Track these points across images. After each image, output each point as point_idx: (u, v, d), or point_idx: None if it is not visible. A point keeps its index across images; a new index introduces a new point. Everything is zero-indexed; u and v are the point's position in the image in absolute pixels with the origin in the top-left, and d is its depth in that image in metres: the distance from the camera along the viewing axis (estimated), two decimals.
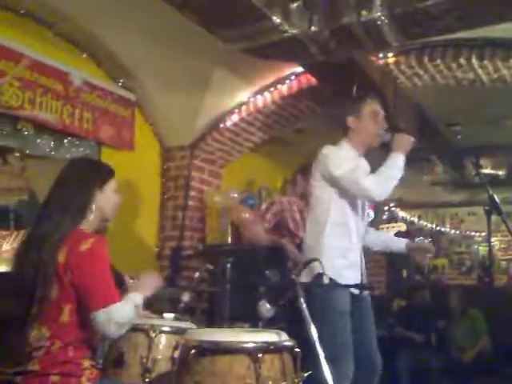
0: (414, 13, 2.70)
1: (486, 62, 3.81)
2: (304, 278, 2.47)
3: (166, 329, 2.13)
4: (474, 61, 3.80)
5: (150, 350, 2.03)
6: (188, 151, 4.82)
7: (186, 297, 2.53)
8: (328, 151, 2.59)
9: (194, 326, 2.28)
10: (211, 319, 3.59)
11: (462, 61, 3.81)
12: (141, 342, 2.07)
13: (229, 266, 3.17)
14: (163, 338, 2.10)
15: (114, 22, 3.64)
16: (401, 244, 2.85)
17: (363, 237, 2.70)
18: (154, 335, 2.07)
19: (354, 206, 2.60)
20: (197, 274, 2.53)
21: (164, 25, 3.43)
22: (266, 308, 1.94)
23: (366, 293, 2.64)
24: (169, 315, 2.48)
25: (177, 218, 4.79)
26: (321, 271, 2.40)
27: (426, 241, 9.68)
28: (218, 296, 3.56)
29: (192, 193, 4.82)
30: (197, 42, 3.37)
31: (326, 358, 1.77)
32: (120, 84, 4.41)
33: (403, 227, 4.20)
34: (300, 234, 3.56)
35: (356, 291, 2.52)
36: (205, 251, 4.56)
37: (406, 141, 2.55)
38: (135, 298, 1.85)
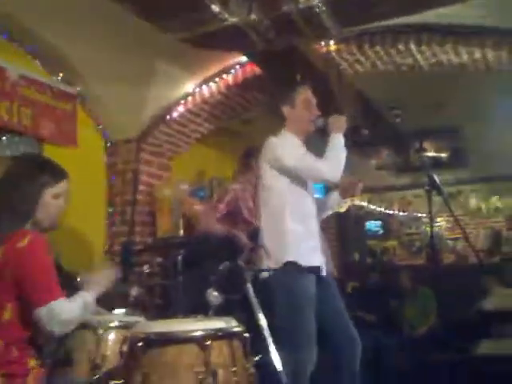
0: (350, 0, 2.76)
1: (423, 47, 3.93)
2: (272, 264, 2.50)
3: (115, 324, 2.11)
4: (412, 46, 3.92)
5: (99, 346, 2.02)
6: (134, 144, 4.75)
7: (134, 291, 2.52)
8: (275, 142, 2.62)
9: (143, 320, 2.27)
10: (165, 313, 3.57)
11: (401, 47, 3.93)
12: (89, 339, 2.05)
13: (180, 258, 3.17)
14: (112, 334, 2.09)
15: (52, 14, 3.53)
16: (335, 196, 2.92)
17: (318, 219, 2.76)
18: (102, 331, 2.05)
19: (306, 191, 2.65)
20: (145, 268, 2.51)
21: (105, 16, 3.35)
22: (213, 295, 1.96)
23: (329, 274, 2.69)
24: (119, 311, 2.47)
25: (126, 213, 4.72)
26: (283, 258, 2.44)
27: (378, 223, 9.98)
28: (170, 289, 3.56)
29: (141, 187, 4.77)
30: (140, 32, 3.32)
31: (290, 344, 1.79)
32: (60, 78, 4.28)
33: (354, 201, 4.31)
34: (254, 221, 3.58)
35: (323, 273, 2.57)
36: (155, 245, 4.53)
37: (341, 121, 2.62)
38: (85, 295, 1.83)
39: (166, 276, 3.75)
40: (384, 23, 3.75)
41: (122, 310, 2.51)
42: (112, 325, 2.11)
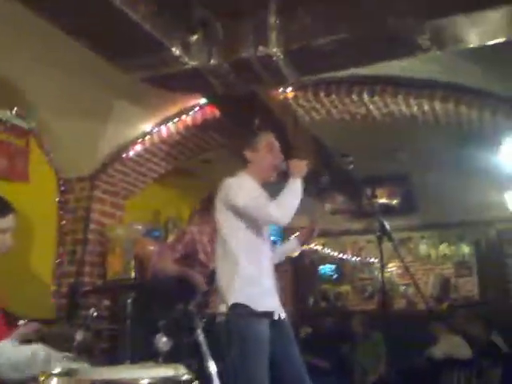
0: (307, 50, 2.85)
1: (376, 97, 4.10)
2: (223, 310, 2.45)
3: (57, 371, 1.99)
4: (366, 96, 4.08)
5: None
6: (88, 182, 4.67)
7: (79, 335, 2.39)
8: (230, 182, 2.63)
9: (88, 366, 2.16)
10: (112, 359, 3.42)
11: (355, 96, 4.08)
12: None
13: (129, 301, 3.06)
14: (54, 381, 1.96)
15: (6, 48, 3.48)
16: (293, 242, 2.96)
17: (272, 262, 2.74)
18: (42, 378, 1.93)
19: (260, 233, 2.64)
20: (92, 311, 2.41)
21: (62, 50, 3.32)
22: (162, 341, 1.89)
23: (285, 317, 2.65)
24: (60, 355, 2.33)
25: (76, 252, 4.58)
26: (236, 301, 2.40)
27: (332, 267, 10.04)
28: (118, 334, 3.43)
29: (92, 226, 4.65)
30: (98, 69, 3.29)
31: None
32: (14, 112, 4.19)
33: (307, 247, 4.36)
34: (210, 265, 3.54)
35: (276, 317, 2.53)
36: (104, 287, 4.38)
37: (301, 165, 2.65)
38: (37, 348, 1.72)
39: (114, 320, 3.61)
40: (340, 73, 3.90)
41: (64, 355, 2.37)
42: (54, 371, 1.99)
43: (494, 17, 2.55)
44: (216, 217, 2.67)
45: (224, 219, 2.62)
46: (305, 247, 3.63)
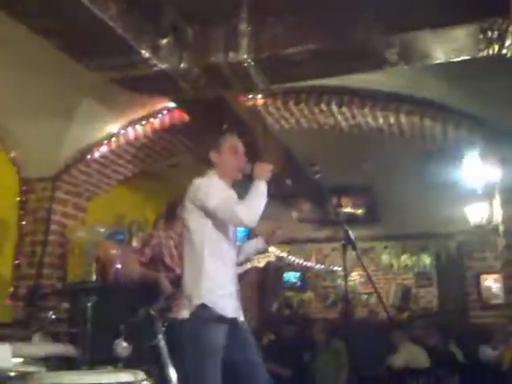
0: (277, 58, 2.88)
1: (344, 108, 4.16)
2: (185, 312, 2.44)
3: (11, 374, 1.94)
4: (334, 107, 4.14)
5: None
6: (50, 183, 4.58)
7: (36, 338, 2.33)
8: (199, 183, 2.64)
9: (44, 370, 2.11)
10: (70, 364, 3.35)
11: (323, 106, 4.13)
12: None
13: (89, 304, 3.01)
14: None
15: None
16: (258, 241, 2.99)
17: (236, 265, 2.76)
18: None
19: (226, 235, 2.66)
20: (50, 314, 2.35)
21: (25, 46, 3.25)
22: (121, 346, 1.86)
23: (244, 322, 2.66)
24: (18, 360, 2.28)
25: (35, 254, 4.47)
26: (201, 302, 2.39)
27: (296, 275, 10.10)
28: (77, 338, 3.36)
29: (53, 227, 4.56)
30: (64, 67, 3.23)
31: None
32: None
33: (272, 257, 4.34)
34: (176, 269, 3.54)
35: (236, 321, 2.53)
36: (64, 290, 4.29)
37: (265, 168, 2.68)
38: None
39: (73, 323, 3.54)
40: (310, 83, 3.95)
41: (21, 359, 2.31)
42: (9, 374, 1.94)
43: (460, 34, 2.64)
44: (184, 217, 2.67)
45: (192, 219, 2.63)
46: (268, 258, 3.67)
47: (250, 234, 4.55)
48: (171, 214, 3.88)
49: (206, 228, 2.60)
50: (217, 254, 2.59)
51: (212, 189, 2.60)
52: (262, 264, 4.47)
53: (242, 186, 2.73)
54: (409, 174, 5.67)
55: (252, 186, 2.63)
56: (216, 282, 2.53)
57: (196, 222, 2.61)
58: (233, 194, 2.75)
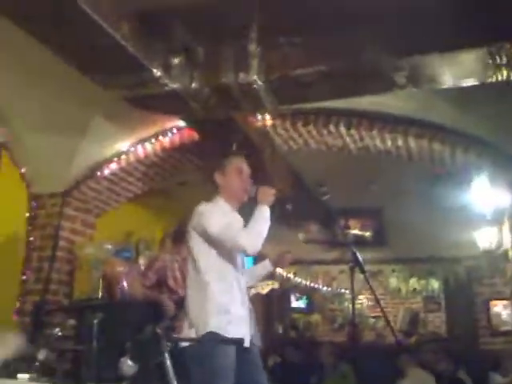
0: (287, 79, 2.91)
1: (352, 130, 4.18)
2: (193, 334, 2.42)
3: None
4: (342, 129, 4.16)
5: None
6: (60, 198, 4.61)
7: (41, 355, 2.33)
8: (202, 209, 2.63)
9: None
10: (76, 381, 3.34)
11: (332, 128, 4.15)
12: None
13: (96, 322, 3.01)
14: None
15: None
16: (266, 264, 2.93)
17: (245, 289, 2.73)
18: None
19: (232, 260, 2.64)
20: (56, 331, 2.35)
21: (41, 65, 3.31)
22: (127, 365, 1.85)
23: (255, 345, 2.63)
24: (23, 376, 2.28)
25: (43, 270, 4.48)
26: (206, 330, 2.38)
27: (302, 298, 10.02)
28: (83, 355, 3.35)
29: (61, 243, 4.58)
30: (76, 82, 3.28)
31: None
32: None
33: (276, 285, 4.31)
34: (179, 292, 3.55)
35: (246, 344, 2.51)
36: (70, 306, 4.29)
37: (268, 193, 2.67)
38: None
39: (79, 341, 3.53)
40: (318, 104, 3.97)
41: (26, 376, 2.31)
42: None
43: (468, 59, 2.66)
44: (188, 243, 2.66)
45: (196, 246, 2.62)
46: (271, 286, 3.64)
47: (257, 256, 4.55)
48: (178, 237, 3.92)
49: (211, 253, 2.58)
50: (222, 279, 2.57)
51: (214, 215, 2.59)
52: (265, 291, 4.48)
53: (247, 209, 2.73)
54: (417, 196, 5.66)
55: (255, 211, 2.62)
56: (222, 307, 2.51)
57: (200, 248, 2.60)
58: (237, 219, 2.73)
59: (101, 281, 4.62)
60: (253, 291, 4.16)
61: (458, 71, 2.77)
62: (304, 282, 9.42)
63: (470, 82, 2.84)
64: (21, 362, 2.73)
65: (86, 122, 4.07)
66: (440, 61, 2.68)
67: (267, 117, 4.17)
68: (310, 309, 10.08)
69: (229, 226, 2.55)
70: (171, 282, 3.75)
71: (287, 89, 3.00)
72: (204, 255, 2.59)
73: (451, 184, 5.05)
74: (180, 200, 6.01)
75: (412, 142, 4.15)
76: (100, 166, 4.62)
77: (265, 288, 4.45)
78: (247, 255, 2.66)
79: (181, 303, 2.83)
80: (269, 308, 9.17)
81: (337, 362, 6.07)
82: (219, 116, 3.48)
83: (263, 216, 2.59)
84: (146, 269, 3.92)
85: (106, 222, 5.14)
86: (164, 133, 4.50)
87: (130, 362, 1.93)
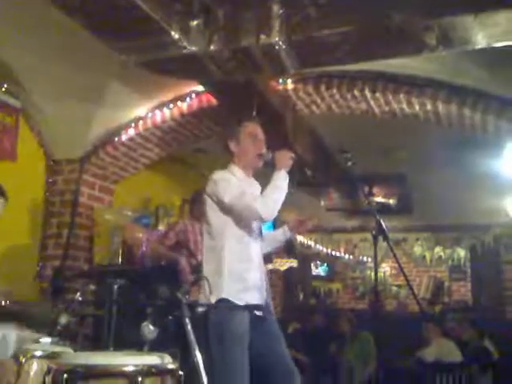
0: (310, 41, 2.87)
1: (378, 94, 4.12)
2: (204, 299, 2.50)
3: (38, 353, 2.04)
4: (367, 93, 4.10)
5: (20, 376, 1.94)
6: (77, 165, 4.68)
7: (63, 319, 2.43)
8: (217, 177, 2.67)
9: (71, 350, 2.21)
10: (96, 345, 3.47)
11: (356, 92, 4.10)
12: (9, 368, 1.96)
13: (116, 287, 3.10)
14: (34, 364, 2.02)
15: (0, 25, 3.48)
16: (284, 230, 2.95)
17: (262, 256, 2.78)
18: (23, 360, 1.97)
19: (248, 226, 2.68)
20: (78, 296, 2.45)
21: (56, 28, 3.32)
22: (148, 329, 1.93)
23: (271, 313, 2.69)
24: (45, 340, 2.38)
25: (62, 235, 4.60)
26: (220, 297, 2.44)
27: (323, 266, 10.13)
28: (103, 320, 3.47)
29: (80, 209, 4.68)
30: (93, 48, 3.29)
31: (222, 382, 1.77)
32: (4, 89, 4.19)
33: (295, 263, 4.30)
34: (198, 257, 3.63)
35: (259, 313, 2.57)
36: (91, 272, 4.42)
37: (286, 156, 2.68)
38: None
39: (99, 306, 3.65)
40: (342, 67, 3.92)
41: (49, 339, 2.42)
42: (36, 353, 2.03)
43: (503, 18, 2.59)
44: (204, 210, 2.71)
45: (211, 212, 2.67)
46: (290, 264, 3.67)
47: (276, 222, 4.60)
48: (195, 203, 4.00)
49: (226, 222, 2.62)
50: (238, 245, 2.62)
51: (229, 184, 2.62)
52: (283, 268, 4.56)
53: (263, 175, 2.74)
54: (444, 163, 5.61)
55: (272, 176, 2.64)
56: (237, 274, 2.56)
57: (215, 214, 2.65)
58: (253, 186, 2.76)
59: (121, 247, 4.74)
60: (270, 267, 4.26)
61: (491, 32, 2.69)
62: (325, 249, 9.50)
63: (504, 42, 2.77)
64: (43, 327, 2.85)
65: (102, 88, 4.09)
66: (473, 21, 2.61)
67: (289, 80, 4.14)
68: (330, 276, 10.20)
69: (242, 194, 2.59)
70: (192, 246, 3.85)
71: (310, 51, 2.97)
72: (219, 221, 2.63)
73: (481, 150, 4.98)
74: (197, 167, 6.08)
75: (440, 107, 4.08)
76: (117, 131, 4.66)
77: (283, 265, 4.52)
78: (262, 221, 2.70)
79: (198, 268, 2.90)
80: (289, 275, 9.30)
81: (357, 329, 6.17)
82: (239, 80, 3.47)
83: (279, 181, 2.62)
84: (167, 229, 4.03)
85: (124, 188, 5.22)
86: (182, 98, 4.50)
87: (151, 327, 2.01)
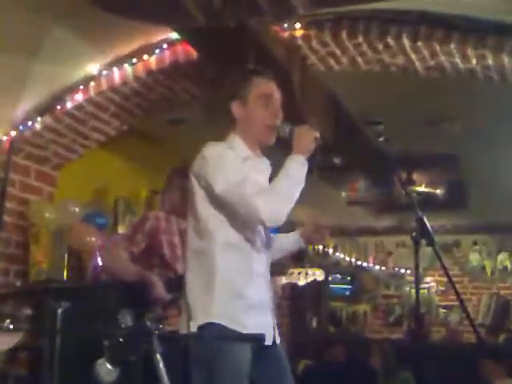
0: None
1: (420, 43, 4.12)
2: (185, 327, 2.49)
3: None
4: (406, 41, 4.10)
5: None
6: (5, 143, 4.69)
7: None
8: (210, 152, 2.59)
9: None
10: None
11: (390, 40, 4.09)
12: None
13: (60, 311, 3.12)
14: None
15: None
16: (295, 238, 2.96)
17: (269, 262, 2.76)
18: None
19: (252, 227, 2.66)
20: (7, 323, 2.45)
21: None
22: (105, 370, 1.94)
23: (279, 342, 2.69)
24: None
25: None
26: (210, 320, 2.44)
27: (346, 279, 10.16)
28: (42, 355, 3.49)
29: (9, 204, 4.68)
30: None
31: None
32: None
33: (322, 275, 4.23)
34: (177, 267, 3.61)
35: (268, 341, 2.57)
36: (25, 290, 4.44)
37: (308, 137, 2.64)
38: None
39: (37, 337, 3.67)
40: (370, 6, 3.91)
41: None
42: None
43: None
44: (191, 195, 2.67)
45: (200, 203, 2.62)
46: (312, 277, 3.69)
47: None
48: (173, 184, 3.92)
49: (221, 216, 2.57)
50: (236, 249, 2.58)
51: (225, 164, 2.55)
52: (302, 282, 4.54)
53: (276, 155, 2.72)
54: (510, 140, 5.62)
55: (286, 162, 2.60)
56: (235, 289, 2.54)
57: (204, 207, 2.59)
58: (263, 169, 2.73)
59: (66, 255, 4.74)
60: (284, 281, 4.24)
61: None
62: (347, 258, 9.53)
63: None
64: None
65: (41, 35, 4.06)
66: None
67: (297, 25, 4.13)
68: (355, 295, 10.23)
69: (243, 182, 2.54)
70: (167, 251, 3.79)
71: None
72: (210, 215, 2.58)
73: None
74: (172, 144, 6.07)
75: (507, 61, 4.08)
76: (60, 96, 4.66)
77: (302, 279, 4.51)
78: (264, 225, 2.67)
79: (178, 285, 2.89)
80: (299, 294, 9.32)
81: (393, 367, 6.21)
82: (228, 24, 3.45)
83: (294, 170, 2.56)
84: (133, 228, 3.93)
85: (70, 175, 5.23)
86: (149, 49, 4.49)
87: (108, 366, 2.01)
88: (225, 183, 2.50)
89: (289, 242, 2.98)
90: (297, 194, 2.56)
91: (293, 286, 8.97)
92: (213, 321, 2.45)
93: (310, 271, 4.40)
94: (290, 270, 4.36)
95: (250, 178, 2.54)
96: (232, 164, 2.58)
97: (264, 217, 2.49)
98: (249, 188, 2.50)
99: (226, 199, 2.51)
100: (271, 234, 2.84)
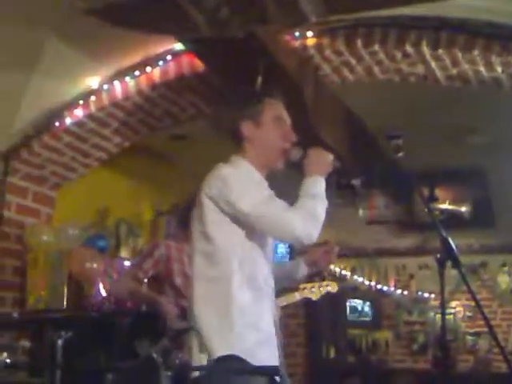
0: None
1: (441, 51, 4.12)
2: (197, 359, 2.48)
3: None
4: (425, 49, 4.10)
5: None
6: (1, 163, 4.72)
7: None
8: (226, 173, 2.61)
9: None
10: None
11: (409, 48, 4.10)
12: None
13: (60, 343, 3.12)
14: None
15: None
16: (299, 263, 2.97)
17: (274, 293, 2.77)
18: None
19: (263, 249, 2.66)
20: (4, 357, 2.46)
21: None
22: None
23: (285, 377, 2.69)
24: None
25: None
26: (228, 352, 2.43)
27: (365, 304, 10.11)
28: None
29: (5, 228, 4.70)
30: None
31: None
32: None
33: (335, 287, 4.23)
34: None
35: (279, 373, 2.56)
36: (22, 320, 4.43)
37: (324, 159, 2.67)
38: None
39: (35, 371, 3.67)
40: (387, 12, 3.92)
41: None
42: None
43: None
44: (200, 218, 2.66)
45: (214, 227, 2.62)
46: (325, 288, 3.67)
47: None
48: (186, 217, 3.95)
49: (235, 239, 2.58)
50: (249, 280, 2.58)
51: (246, 183, 2.59)
52: (316, 297, 4.52)
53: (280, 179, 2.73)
54: None
55: (306, 183, 2.61)
56: (251, 322, 2.54)
57: (219, 230, 2.60)
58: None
59: (65, 282, 4.74)
60: (297, 297, 4.23)
61: None
62: (366, 281, 9.48)
63: None
64: None
65: (39, 47, 4.10)
66: None
67: (309, 33, 4.15)
68: (375, 322, 10.18)
69: (270, 201, 2.56)
70: (178, 281, 3.84)
71: None
72: (226, 241, 2.58)
73: None
74: (176, 161, 6.08)
75: None
76: (59, 112, 4.69)
77: (317, 292, 4.50)
78: (298, 244, 2.68)
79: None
80: (315, 321, 9.28)
81: None
82: (236, 34, 3.48)
83: (318, 192, 2.58)
84: (142, 257, 4.03)
85: (69, 196, 5.24)
86: (152, 62, 4.52)
87: None
88: (253, 201, 2.52)
89: (292, 268, 3.01)
90: (323, 214, 2.58)
91: (308, 313, 8.95)
92: (231, 353, 2.45)
93: (322, 284, 4.40)
94: (302, 286, 4.36)
95: (274, 196, 2.58)
96: (254, 182, 2.61)
97: (298, 231, 2.51)
98: (277, 205, 2.53)
99: (256, 218, 2.52)
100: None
